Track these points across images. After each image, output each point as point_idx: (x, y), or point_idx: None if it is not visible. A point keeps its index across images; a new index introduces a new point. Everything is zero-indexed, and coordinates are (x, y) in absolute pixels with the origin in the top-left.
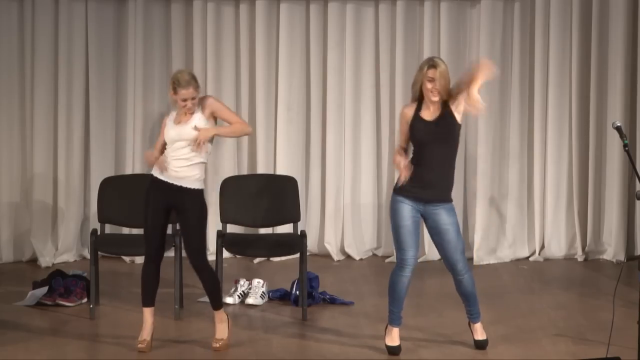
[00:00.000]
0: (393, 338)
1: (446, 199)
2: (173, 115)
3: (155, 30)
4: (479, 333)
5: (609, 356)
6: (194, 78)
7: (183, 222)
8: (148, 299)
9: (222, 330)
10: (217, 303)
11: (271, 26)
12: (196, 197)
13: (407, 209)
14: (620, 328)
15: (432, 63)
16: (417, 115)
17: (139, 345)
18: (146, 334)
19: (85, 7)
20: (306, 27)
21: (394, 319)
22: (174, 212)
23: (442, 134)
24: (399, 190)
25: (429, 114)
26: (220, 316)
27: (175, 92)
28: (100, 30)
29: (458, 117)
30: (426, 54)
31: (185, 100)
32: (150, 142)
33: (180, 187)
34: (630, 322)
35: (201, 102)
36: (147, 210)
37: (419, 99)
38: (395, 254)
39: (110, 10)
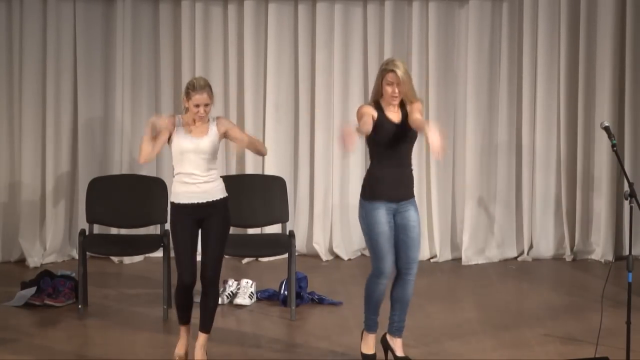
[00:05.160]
0: (369, 346)
1: (412, 194)
2: (179, 118)
3: (143, 30)
4: (401, 349)
5: (597, 356)
6: (209, 85)
7: (206, 232)
8: (185, 317)
9: (203, 355)
10: (211, 324)
11: (259, 26)
12: (223, 206)
13: (382, 214)
14: (609, 328)
15: (391, 67)
16: (384, 116)
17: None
18: (181, 348)
19: (74, 7)
20: (294, 27)
21: (371, 325)
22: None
23: (408, 136)
24: (371, 197)
25: (394, 116)
26: (206, 341)
27: (188, 97)
28: (88, 31)
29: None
30: (415, 54)
31: (198, 105)
32: (138, 141)
33: (208, 202)
34: (618, 322)
35: (216, 120)
36: (180, 238)
37: (377, 101)
38: (372, 262)
39: (98, 11)
